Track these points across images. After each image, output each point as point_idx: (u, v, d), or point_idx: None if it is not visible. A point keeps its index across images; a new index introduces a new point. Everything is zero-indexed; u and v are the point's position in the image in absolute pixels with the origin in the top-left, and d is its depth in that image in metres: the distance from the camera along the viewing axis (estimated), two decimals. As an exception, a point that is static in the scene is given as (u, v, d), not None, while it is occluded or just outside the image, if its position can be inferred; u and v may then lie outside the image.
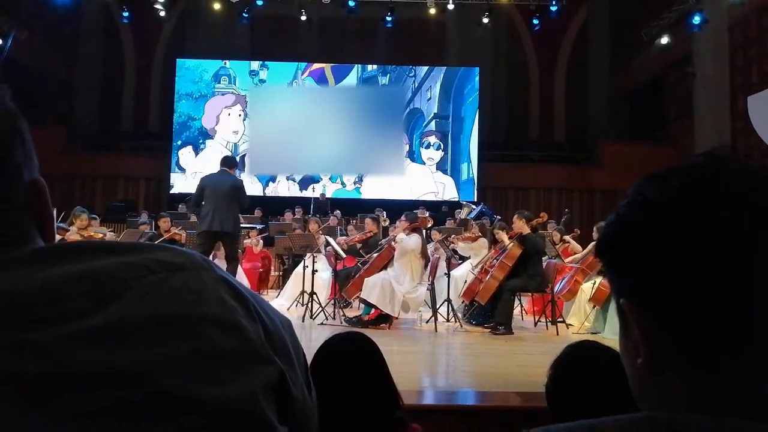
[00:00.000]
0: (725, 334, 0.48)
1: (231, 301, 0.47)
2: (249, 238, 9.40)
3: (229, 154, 13.52)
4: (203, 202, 6.19)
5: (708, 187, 0.49)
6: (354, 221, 10.55)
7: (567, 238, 7.70)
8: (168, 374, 0.42)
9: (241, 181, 6.33)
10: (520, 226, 6.45)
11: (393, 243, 6.53)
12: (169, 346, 0.42)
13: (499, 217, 9.70)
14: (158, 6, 13.99)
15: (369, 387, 1.56)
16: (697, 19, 11.84)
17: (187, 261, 0.48)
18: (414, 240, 6.39)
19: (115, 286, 0.44)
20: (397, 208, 12.38)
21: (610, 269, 0.55)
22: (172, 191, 14.80)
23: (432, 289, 6.84)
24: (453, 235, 8.30)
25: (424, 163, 15.19)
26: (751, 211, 0.48)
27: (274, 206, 12.64)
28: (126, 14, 14.42)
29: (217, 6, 14.37)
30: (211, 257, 7.03)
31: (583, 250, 7.48)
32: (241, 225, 7.27)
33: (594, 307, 6.38)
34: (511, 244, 6.40)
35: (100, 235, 7.71)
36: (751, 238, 0.47)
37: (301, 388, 0.50)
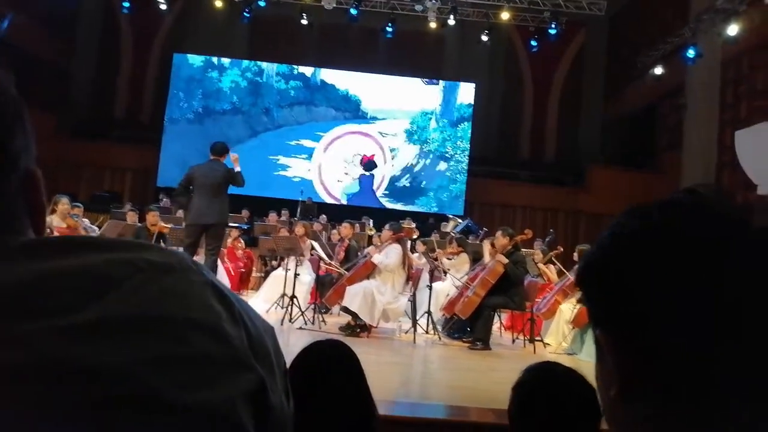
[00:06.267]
0: (696, 368, 0.48)
1: (217, 305, 0.47)
2: (230, 237, 9.34)
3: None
4: (192, 193, 6.04)
5: (685, 224, 0.51)
6: (339, 227, 10.52)
7: (542, 267, 7.74)
8: (151, 375, 0.42)
9: (232, 168, 6.06)
10: (504, 243, 6.48)
11: (372, 261, 6.49)
12: (154, 348, 0.43)
13: (486, 230, 9.73)
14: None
15: (346, 396, 1.54)
16: (691, 53, 12.03)
17: (176, 262, 0.48)
18: (393, 259, 6.37)
19: (104, 283, 0.44)
20: (384, 217, 12.40)
21: (588, 298, 0.55)
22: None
23: (413, 301, 6.83)
24: (438, 250, 8.29)
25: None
26: (724, 250, 0.49)
27: (261, 206, 12.58)
28: (126, 5, 14.37)
29: (218, 3, 14.37)
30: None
31: (564, 272, 7.53)
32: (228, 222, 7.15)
33: (573, 328, 6.42)
34: (495, 262, 6.43)
35: (82, 230, 7.56)
36: (721, 276, 0.48)
37: (279, 396, 0.50)
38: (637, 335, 0.51)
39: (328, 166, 15.15)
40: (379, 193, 15.24)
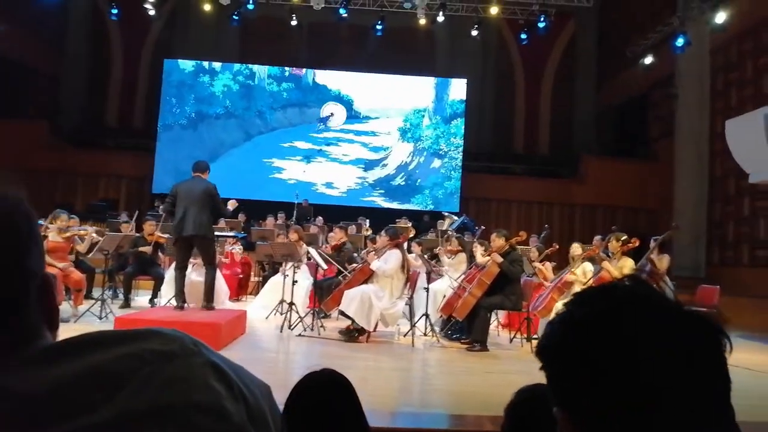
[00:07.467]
0: None
1: (217, 385, 0.53)
2: (229, 245, 9.39)
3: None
4: (176, 208, 6.17)
5: (624, 316, 0.58)
6: (336, 228, 10.55)
7: (538, 265, 7.79)
8: None
9: (214, 186, 6.22)
10: (500, 245, 6.54)
11: (368, 266, 6.54)
12: None
13: (483, 227, 9.78)
14: (148, 5, 13.90)
15: (344, 428, 1.59)
16: (680, 41, 12.07)
17: (177, 348, 0.54)
18: (392, 264, 6.40)
19: (115, 381, 0.50)
20: (380, 216, 12.45)
21: (546, 377, 0.62)
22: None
23: (410, 303, 6.88)
24: (439, 247, 8.37)
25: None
26: (652, 340, 0.56)
27: (257, 210, 12.60)
28: (115, 11, 14.33)
29: (207, 7, 14.34)
30: (190, 263, 7.04)
31: (560, 268, 7.58)
32: (218, 234, 7.23)
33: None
34: (490, 262, 6.48)
35: (83, 232, 7.67)
36: (648, 363, 0.55)
37: None
38: (581, 413, 0.57)
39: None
40: (375, 193, 15.35)
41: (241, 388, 0.55)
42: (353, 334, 6.40)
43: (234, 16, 14.24)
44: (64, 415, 0.47)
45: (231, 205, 6.58)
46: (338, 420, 1.59)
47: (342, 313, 6.55)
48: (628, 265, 6.46)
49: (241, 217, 11.77)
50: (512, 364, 5.70)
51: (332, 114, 15.52)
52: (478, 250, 6.85)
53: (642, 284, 0.61)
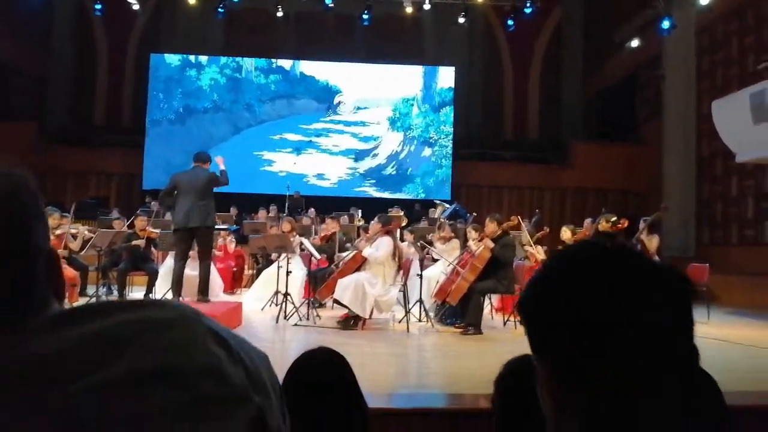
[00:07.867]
0: (615, 389, 0.58)
1: (217, 350, 0.56)
2: (222, 238, 9.39)
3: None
4: (177, 199, 6.17)
5: (601, 269, 0.61)
6: (328, 219, 10.56)
7: (530, 249, 7.84)
8: (169, 419, 0.50)
9: (214, 173, 6.29)
10: (493, 229, 6.59)
11: (360, 254, 6.58)
12: (169, 395, 0.51)
13: (475, 214, 9.83)
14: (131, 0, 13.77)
15: (341, 406, 1.61)
16: (666, 24, 12.13)
17: (179, 317, 0.57)
18: (383, 251, 6.44)
19: (119, 344, 0.53)
20: (372, 206, 12.47)
21: (525, 330, 0.65)
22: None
23: (404, 290, 6.93)
24: (430, 234, 8.44)
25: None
26: (631, 292, 0.59)
27: (248, 203, 12.60)
28: (99, 7, 14.18)
29: (191, 0, 14.22)
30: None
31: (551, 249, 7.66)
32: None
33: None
34: (482, 247, 6.54)
35: (74, 231, 7.68)
36: (631, 314, 0.58)
37: (277, 418, 0.59)
38: (563, 361, 0.60)
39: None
40: (366, 183, 15.37)
41: (240, 354, 0.57)
42: (350, 322, 6.45)
43: (219, 9, 14.13)
44: (78, 373, 0.50)
45: (219, 162, 6.45)
46: (336, 396, 1.61)
47: (336, 301, 6.59)
48: (618, 245, 6.53)
49: (233, 211, 11.76)
50: (506, 346, 5.76)
51: (341, 102, 15.50)
52: (472, 235, 6.91)
53: (615, 241, 0.64)
